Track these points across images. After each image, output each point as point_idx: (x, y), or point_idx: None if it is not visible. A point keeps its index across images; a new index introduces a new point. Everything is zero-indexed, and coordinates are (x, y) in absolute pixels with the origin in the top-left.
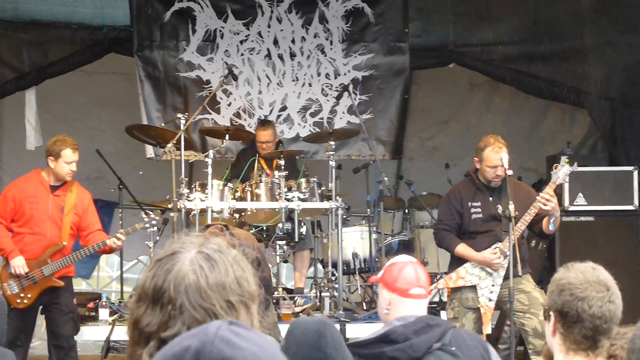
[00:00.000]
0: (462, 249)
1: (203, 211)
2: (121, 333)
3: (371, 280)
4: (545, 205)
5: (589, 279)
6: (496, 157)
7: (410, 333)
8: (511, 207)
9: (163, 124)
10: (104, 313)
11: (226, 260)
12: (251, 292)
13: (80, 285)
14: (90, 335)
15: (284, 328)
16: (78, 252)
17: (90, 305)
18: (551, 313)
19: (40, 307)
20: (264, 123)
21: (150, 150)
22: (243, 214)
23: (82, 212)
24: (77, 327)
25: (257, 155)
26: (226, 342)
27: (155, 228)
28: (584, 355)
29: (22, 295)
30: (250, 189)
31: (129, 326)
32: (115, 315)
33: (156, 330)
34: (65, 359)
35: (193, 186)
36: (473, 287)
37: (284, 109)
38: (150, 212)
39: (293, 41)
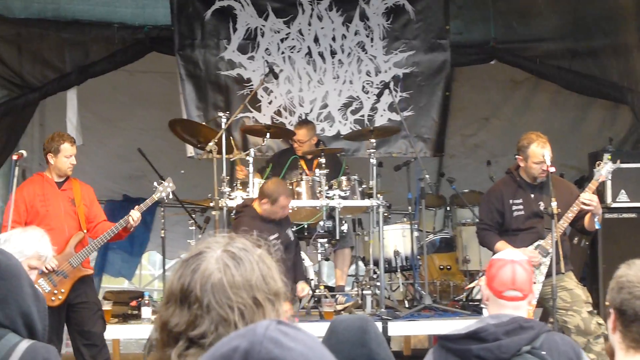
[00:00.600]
0: (501, 246)
1: None
2: None
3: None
4: (587, 206)
5: None
6: (542, 152)
7: (501, 333)
8: (553, 204)
9: (204, 123)
10: (146, 311)
11: (252, 258)
12: (277, 290)
13: (122, 283)
14: (132, 334)
15: (325, 326)
16: (101, 236)
17: (133, 303)
18: (611, 310)
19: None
20: (299, 123)
21: (190, 149)
22: None
23: (89, 203)
24: (105, 325)
25: (297, 155)
26: (275, 342)
27: (171, 195)
28: None
29: (55, 292)
30: (291, 187)
31: (157, 328)
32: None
33: (184, 329)
34: (99, 356)
35: (234, 184)
36: None
37: (324, 106)
38: (163, 180)
39: (334, 39)
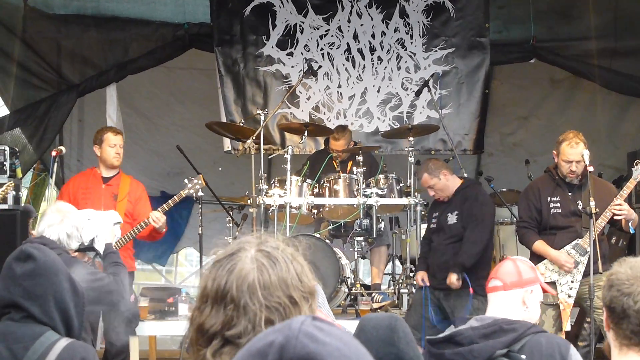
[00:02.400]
0: (539, 245)
1: (282, 207)
2: None
3: None
4: (618, 215)
5: (637, 274)
6: (571, 152)
7: (477, 337)
8: (592, 203)
9: (242, 120)
10: (183, 308)
11: (286, 257)
12: (311, 287)
13: (159, 280)
14: (169, 330)
15: None
16: (126, 235)
17: (170, 300)
18: (603, 308)
19: None
20: (338, 131)
21: (227, 143)
22: (321, 209)
23: (135, 200)
24: (133, 324)
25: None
26: (310, 337)
27: (200, 192)
28: (638, 350)
29: None
30: (328, 185)
31: (192, 330)
32: None
33: (220, 329)
34: (118, 355)
35: (272, 182)
36: (552, 284)
37: (363, 102)
38: (193, 177)
39: (373, 36)
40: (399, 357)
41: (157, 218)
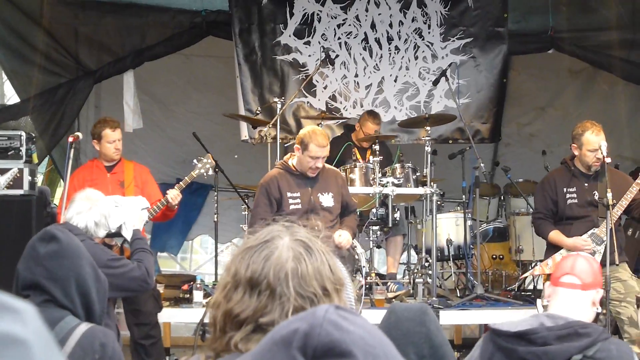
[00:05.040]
0: (555, 235)
1: None
2: None
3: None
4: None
5: None
6: (596, 140)
7: (552, 338)
8: (609, 195)
9: (259, 108)
10: (198, 295)
11: (319, 248)
12: (341, 279)
13: (174, 267)
14: (184, 317)
15: (376, 313)
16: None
17: (185, 287)
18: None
19: None
20: (375, 116)
21: (245, 132)
22: None
23: (142, 184)
24: (159, 305)
25: (351, 142)
26: (334, 325)
27: (211, 171)
28: None
29: None
30: (344, 173)
31: (217, 315)
32: (210, 298)
33: (252, 315)
34: (148, 337)
35: None
36: None
37: (380, 92)
38: (202, 157)
39: (390, 25)
40: (429, 337)
41: (175, 196)
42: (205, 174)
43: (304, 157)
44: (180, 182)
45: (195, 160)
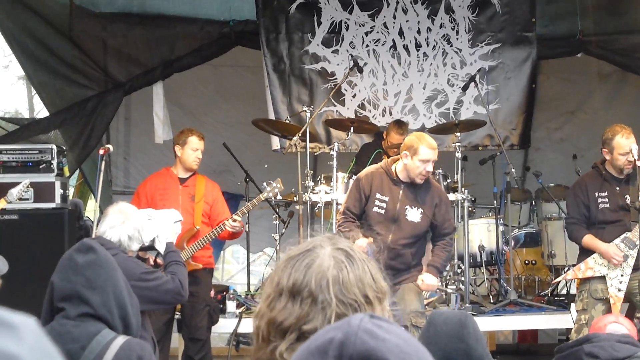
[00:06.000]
0: (589, 239)
1: (328, 204)
2: (248, 326)
3: None
4: None
5: None
6: (627, 143)
7: (614, 340)
8: None
9: (289, 117)
10: (231, 305)
11: (361, 257)
12: (384, 287)
13: None
14: (217, 328)
15: None
16: (204, 237)
17: (218, 297)
18: None
19: None
20: (401, 125)
21: (276, 143)
22: None
23: (212, 201)
24: (213, 320)
25: (381, 149)
26: (370, 334)
27: (279, 196)
28: None
29: None
30: None
31: (261, 324)
32: (242, 308)
33: (295, 323)
34: (200, 352)
35: (318, 179)
36: (602, 278)
37: (409, 99)
38: (272, 182)
39: (419, 32)
40: (468, 353)
41: (233, 226)
42: (274, 198)
43: (413, 162)
44: (244, 208)
45: (265, 184)
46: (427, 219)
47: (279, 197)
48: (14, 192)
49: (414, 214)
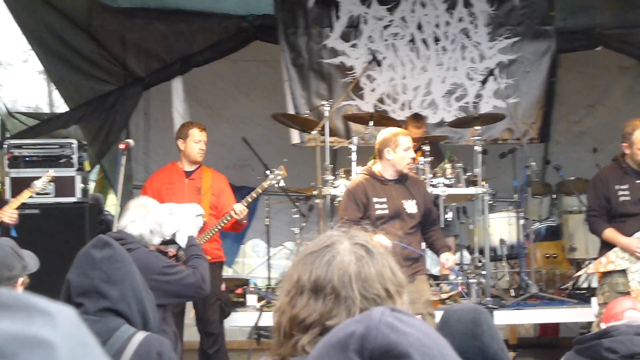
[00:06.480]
0: (609, 233)
1: None
2: (269, 319)
3: None
4: None
5: None
6: None
7: (633, 332)
8: None
9: (308, 111)
10: (251, 299)
11: (379, 251)
12: (402, 280)
13: (227, 271)
14: (237, 321)
15: None
16: (211, 228)
17: (239, 291)
18: None
19: None
20: (419, 119)
21: (296, 137)
22: None
23: (218, 192)
24: (225, 313)
25: None
26: (391, 328)
27: (282, 182)
28: None
29: None
30: None
31: (283, 321)
32: (263, 301)
33: (318, 319)
34: (214, 345)
35: (337, 173)
36: (623, 272)
37: (428, 93)
38: (275, 169)
39: (437, 26)
40: (483, 351)
41: (240, 211)
42: (277, 184)
43: (397, 154)
44: (248, 197)
45: (267, 171)
46: (421, 207)
47: (282, 183)
48: (38, 183)
49: (410, 206)
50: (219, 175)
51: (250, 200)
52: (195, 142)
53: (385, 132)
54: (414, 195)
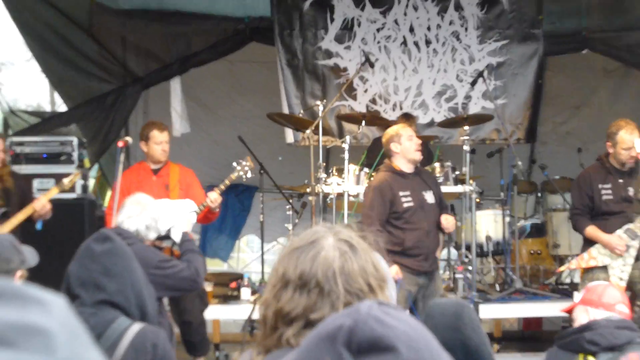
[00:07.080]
0: (592, 230)
1: (340, 195)
2: None
3: (567, 309)
4: None
5: None
6: (630, 138)
7: (613, 326)
8: None
9: (302, 111)
10: (245, 292)
11: (363, 247)
12: (384, 276)
13: (222, 266)
14: (232, 314)
15: None
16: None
17: (233, 285)
18: None
19: None
20: (408, 118)
21: (290, 136)
22: None
23: (186, 187)
24: (205, 302)
25: None
26: (378, 321)
27: (249, 174)
28: None
29: None
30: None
31: (268, 314)
32: (257, 295)
33: (302, 312)
34: (195, 335)
35: (330, 171)
36: (605, 268)
37: (419, 94)
38: (242, 160)
39: (429, 28)
40: (465, 344)
41: (215, 199)
42: (244, 176)
43: (404, 145)
44: (220, 185)
45: (234, 163)
46: (438, 197)
47: (249, 174)
48: (65, 181)
49: (430, 196)
50: (185, 170)
51: (223, 188)
52: (157, 144)
53: (385, 133)
54: (430, 186)
